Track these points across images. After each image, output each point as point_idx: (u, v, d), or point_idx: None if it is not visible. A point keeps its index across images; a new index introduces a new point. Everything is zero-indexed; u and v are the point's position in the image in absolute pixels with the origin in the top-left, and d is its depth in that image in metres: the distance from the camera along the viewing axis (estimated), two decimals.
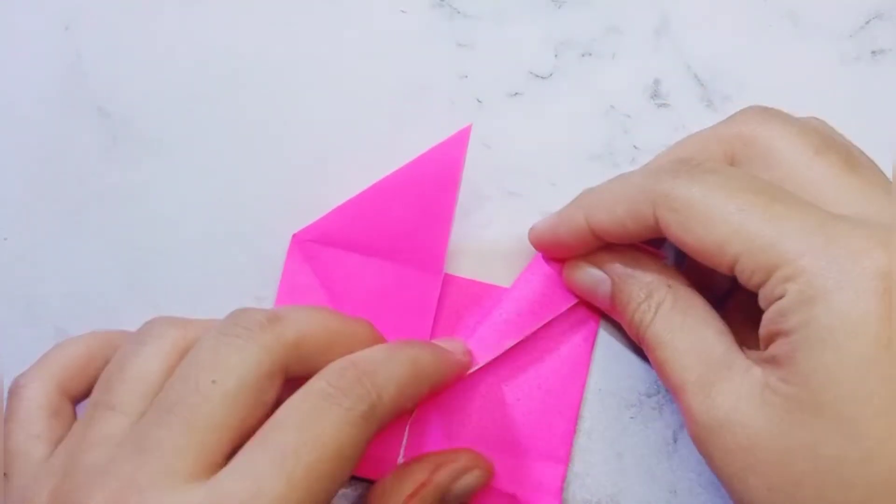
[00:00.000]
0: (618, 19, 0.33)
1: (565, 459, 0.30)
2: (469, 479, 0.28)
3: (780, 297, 0.22)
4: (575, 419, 0.30)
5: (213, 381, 0.22)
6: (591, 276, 0.28)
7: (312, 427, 0.22)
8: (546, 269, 0.30)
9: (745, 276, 0.23)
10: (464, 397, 0.30)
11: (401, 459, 0.30)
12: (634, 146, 0.32)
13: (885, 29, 0.32)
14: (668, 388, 0.26)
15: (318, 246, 0.31)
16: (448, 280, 0.31)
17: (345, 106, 0.32)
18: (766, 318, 0.23)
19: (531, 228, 0.29)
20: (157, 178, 0.32)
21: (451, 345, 0.29)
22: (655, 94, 0.32)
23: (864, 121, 0.32)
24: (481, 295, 0.31)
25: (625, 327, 0.28)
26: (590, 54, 0.32)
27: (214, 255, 0.32)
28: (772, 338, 0.23)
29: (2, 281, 0.32)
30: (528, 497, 0.29)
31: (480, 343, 0.30)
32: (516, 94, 0.32)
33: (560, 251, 0.29)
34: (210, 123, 0.32)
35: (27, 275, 0.32)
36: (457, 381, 0.29)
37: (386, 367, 0.24)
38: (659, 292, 0.26)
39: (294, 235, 0.31)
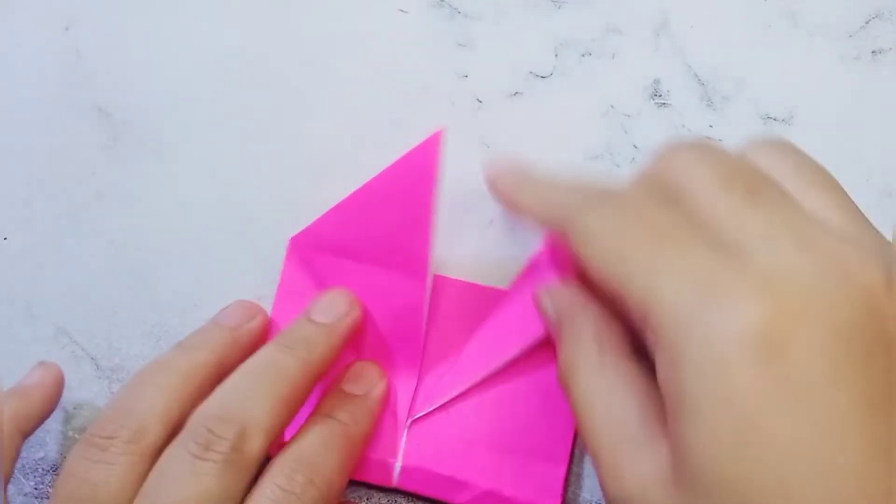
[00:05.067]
0: (618, 19, 0.33)
1: (565, 460, 0.30)
2: None
3: (653, 345, 0.21)
4: (574, 420, 0.30)
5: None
6: (541, 303, 0.28)
7: None
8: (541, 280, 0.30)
9: (629, 314, 0.22)
10: (462, 398, 0.30)
11: (398, 462, 0.30)
12: (634, 146, 0.32)
13: (885, 29, 0.32)
14: (584, 441, 0.24)
15: (313, 251, 0.31)
16: (444, 282, 0.31)
17: (344, 105, 0.32)
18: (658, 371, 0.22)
19: (489, 168, 0.28)
20: (157, 178, 0.32)
21: (368, 371, 0.30)
22: (655, 94, 0.32)
23: (864, 121, 0.32)
24: (478, 297, 0.31)
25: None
26: (590, 54, 0.32)
27: (214, 254, 0.32)
28: (663, 401, 0.22)
29: (2, 281, 0.32)
30: (529, 499, 0.29)
31: (474, 359, 0.30)
32: (516, 94, 0.32)
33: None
34: (210, 123, 0.32)
35: (27, 275, 0.32)
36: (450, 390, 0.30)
37: (327, 458, 0.27)
38: (591, 348, 0.25)
39: (291, 240, 0.31)
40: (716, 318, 0.19)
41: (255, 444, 0.25)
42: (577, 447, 0.30)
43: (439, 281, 0.31)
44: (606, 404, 0.24)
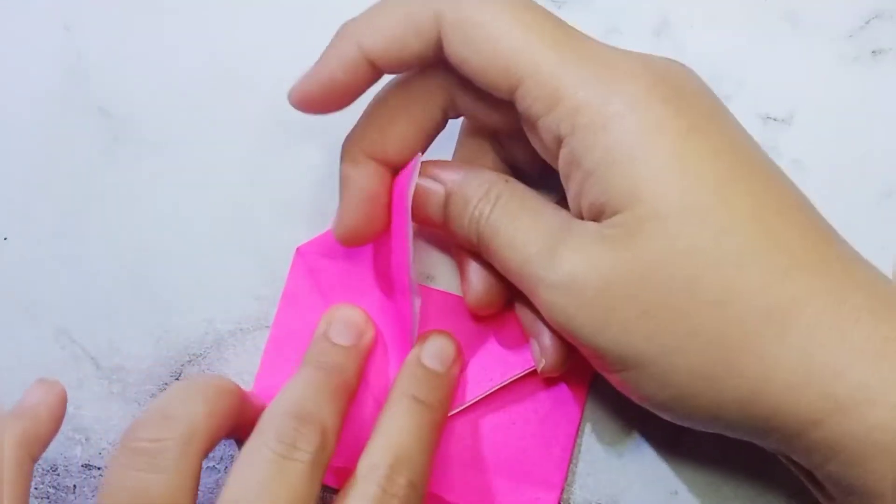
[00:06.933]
0: (618, 19, 0.33)
1: (559, 485, 0.29)
2: None
3: (568, 134, 0.23)
4: (571, 446, 0.29)
5: None
6: (425, 186, 0.27)
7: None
8: None
9: (526, 102, 0.23)
10: (459, 419, 0.30)
11: None
12: None
13: (885, 29, 0.32)
14: (512, 275, 0.25)
15: (321, 259, 0.31)
16: (444, 298, 0.30)
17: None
18: (564, 168, 0.24)
19: (292, 88, 0.26)
20: (157, 178, 0.32)
21: (448, 345, 0.29)
22: None
23: (864, 121, 0.32)
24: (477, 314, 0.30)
25: (458, 233, 0.26)
26: None
27: (214, 254, 0.32)
28: (581, 189, 0.23)
29: (2, 281, 0.32)
30: None
31: (471, 380, 0.30)
32: None
33: (333, 98, 0.26)
34: (210, 123, 0.32)
35: (27, 275, 0.32)
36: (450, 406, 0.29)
37: (423, 455, 0.26)
38: (497, 186, 0.26)
39: (298, 248, 0.31)
40: (626, 83, 0.22)
41: (331, 449, 0.25)
42: (577, 445, 0.30)
43: (439, 296, 0.31)
44: (528, 216, 0.25)
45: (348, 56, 0.25)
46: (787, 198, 0.23)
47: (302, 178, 0.32)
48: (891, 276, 0.26)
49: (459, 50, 0.24)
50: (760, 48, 0.32)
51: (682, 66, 0.25)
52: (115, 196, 0.32)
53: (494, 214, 0.25)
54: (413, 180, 0.26)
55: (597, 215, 0.23)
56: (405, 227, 0.26)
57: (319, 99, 0.26)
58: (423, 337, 0.29)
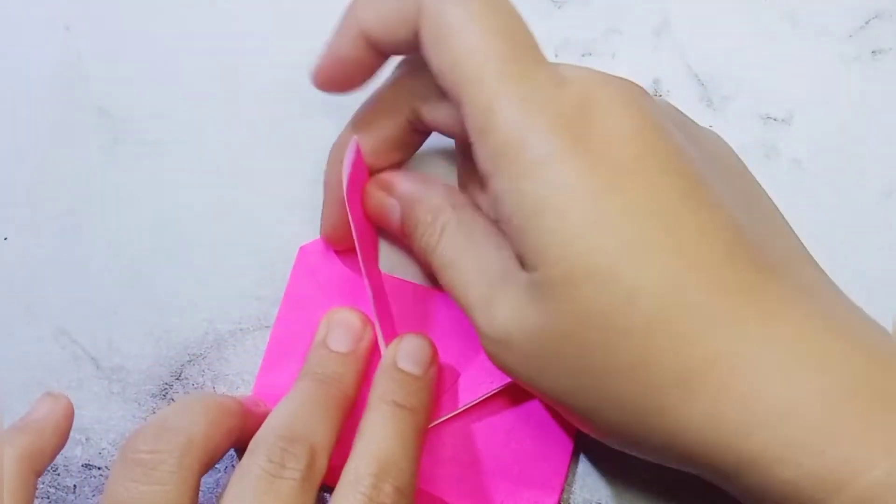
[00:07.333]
0: (618, 19, 0.33)
1: (558, 489, 0.29)
2: None
3: (490, 174, 0.22)
4: (570, 450, 0.29)
5: None
6: (382, 202, 0.28)
7: None
8: None
9: (468, 125, 0.23)
10: (459, 421, 0.30)
11: None
12: None
13: (885, 29, 0.32)
14: (462, 310, 0.26)
15: (324, 259, 0.31)
16: (436, 297, 0.30)
17: (345, 107, 0.32)
18: (492, 203, 0.23)
19: (312, 70, 0.27)
20: (157, 178, 0.32)
21: (422, 348, 0.29)
22: (655, 94, 0.32)
23: (864, 121, 0.32)
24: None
25: (415, 252, 0.27)
26: (590, 54, 0.32)
27: (214, 255, 0.32)
28: (505, 232, 0.23)
29: (2, 281, 0.32)
30: None
31: (472, 381, 0.30)
32: None
33: (345, 76, 0.26)
34: (210, 123, 0.32)
35: (27, 275, 0.32)
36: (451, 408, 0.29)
37: (408, 461, 0.26)
38: (444, 214, 0.26)
39: (301, 248, 0.31)
40: (548, 136, 0.22)
41: (323, 465, 0.25)
42: (577, 445, 0.30)
43: (439, 297, 0.30)
44: (471, 254, 0.25)
45: (351, 33, 0.25)
46: (707, 251, 0.22)
47: (302, 178, 0.32)
48: (891, 330, 0.26)
49: (426, 51, 0.23)
50: (760, 48, 0.32)
51: (630, 99, 0.23)
52: (115, 196, 0.32)
53: (440, 247, 0.26)
54: (346, 165, 0.26)
55: (521, 262, 0.23)
56: (355, 218, 0.27)
57: (333, 77, 0.26)
58: (397, 339, 0.29)
